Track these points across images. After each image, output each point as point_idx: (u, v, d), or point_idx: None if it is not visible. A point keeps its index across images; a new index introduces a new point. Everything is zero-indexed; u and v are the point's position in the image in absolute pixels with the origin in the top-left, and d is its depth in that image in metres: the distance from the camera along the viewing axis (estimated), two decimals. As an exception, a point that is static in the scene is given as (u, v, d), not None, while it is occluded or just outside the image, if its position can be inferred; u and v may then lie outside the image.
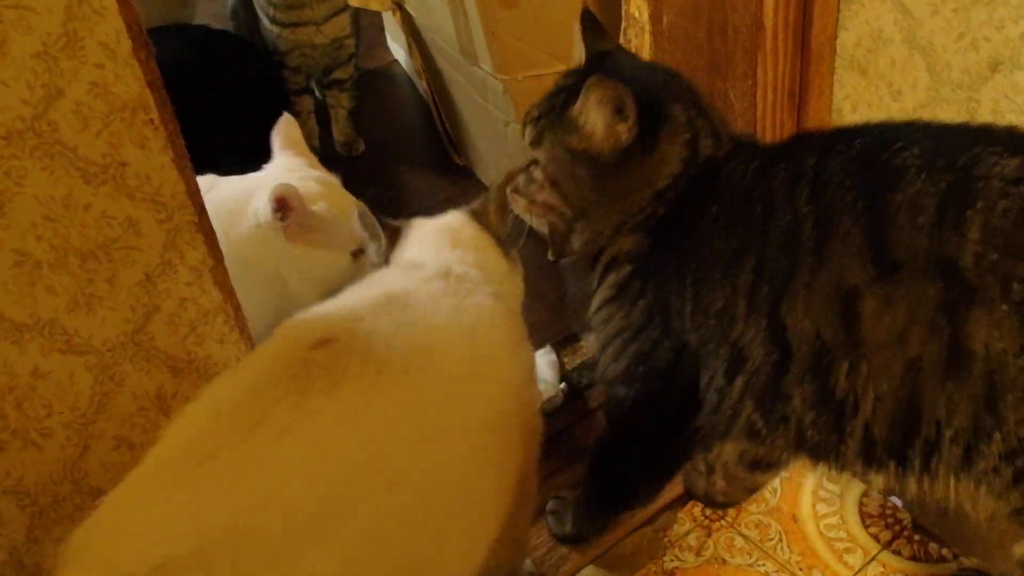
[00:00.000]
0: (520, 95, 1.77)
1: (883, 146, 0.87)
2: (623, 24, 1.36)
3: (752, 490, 1.35)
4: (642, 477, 1.15)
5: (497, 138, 1.94)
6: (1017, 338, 0.79)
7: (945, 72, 1.06)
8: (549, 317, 1.69)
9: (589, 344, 1.15)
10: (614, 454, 1.15)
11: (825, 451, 0.94)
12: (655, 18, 1.27)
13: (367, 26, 2.65)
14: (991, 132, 0.88)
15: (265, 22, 2.16)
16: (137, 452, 0.97)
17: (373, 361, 0.78)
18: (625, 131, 0.97)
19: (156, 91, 0.82)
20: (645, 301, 1.02)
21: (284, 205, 1.23)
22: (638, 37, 1.30)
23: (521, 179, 1.07)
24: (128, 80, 0.80)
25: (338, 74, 2.27)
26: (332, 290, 0.96)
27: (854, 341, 0.86)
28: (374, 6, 2.37)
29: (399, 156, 2.29)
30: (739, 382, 0.96)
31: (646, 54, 1.31)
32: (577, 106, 0.99)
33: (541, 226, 1.09)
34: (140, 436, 0.97)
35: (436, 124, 2.22)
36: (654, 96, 0.99)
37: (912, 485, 0.90)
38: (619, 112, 0.97)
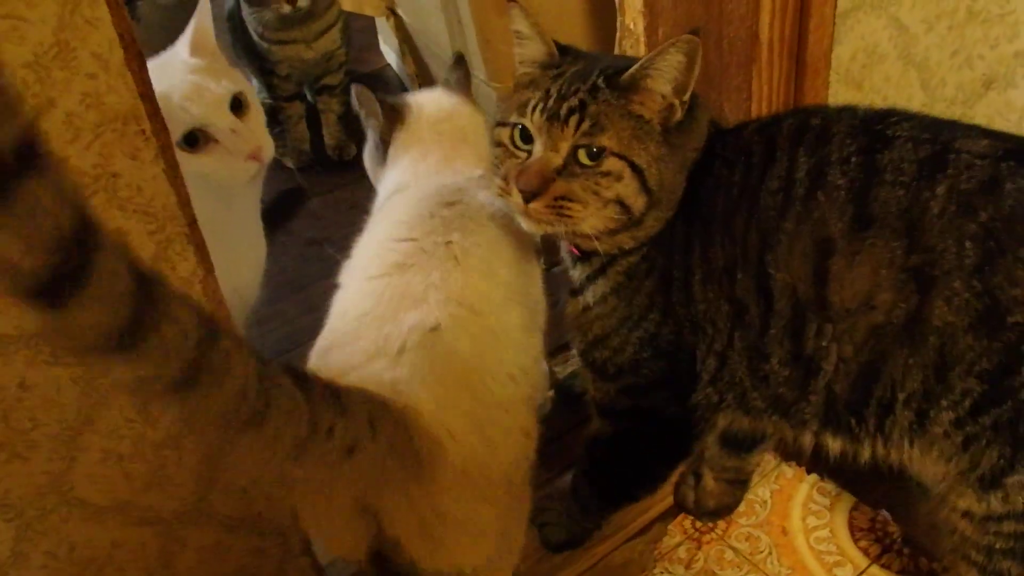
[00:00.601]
0: (513, 103, 1.77)
1: (882, 117, 0.92)
2: (618, 35, 1.35)
3: (741, 482, 1.35)
4: (658, 461, 1.15)
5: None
6: (967, 313, 0.84)
7: (939, 88, 1.07)
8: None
9: (572, 337, 1.12)
10: (625, 443, 1.14)
11: (792, 410, 0.98)
12: (650, 30, 1.27)
13: (360, 30, 2.65)
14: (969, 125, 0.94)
15: (254, 36, 2.15)
16: (125, 464, 0.96)
17: (484, 217, 1.10)
18: (681, 106, 0.96)
19: (148, 102, 0.81)
20: (651, 280, 1.02)
21: None
22: (633, 49, 1.30)
23: (579, 184, 0.95)
24: (120, 91, 0.79)
25: (328, 80, 2.27)
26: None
27: (823, 299, 0.90)
28: (368, 11, 2.36)
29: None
30: (737, 339, 0.98)
31: (641, 66, 1.31)
32: (650, 59, 0.93)
33: (592, 228, 0.98)
34: (127, 448, 0.95)
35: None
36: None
37: (867, 449, 0.97)
38: (691, 68, 0.93)
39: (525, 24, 1.01)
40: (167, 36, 1.30)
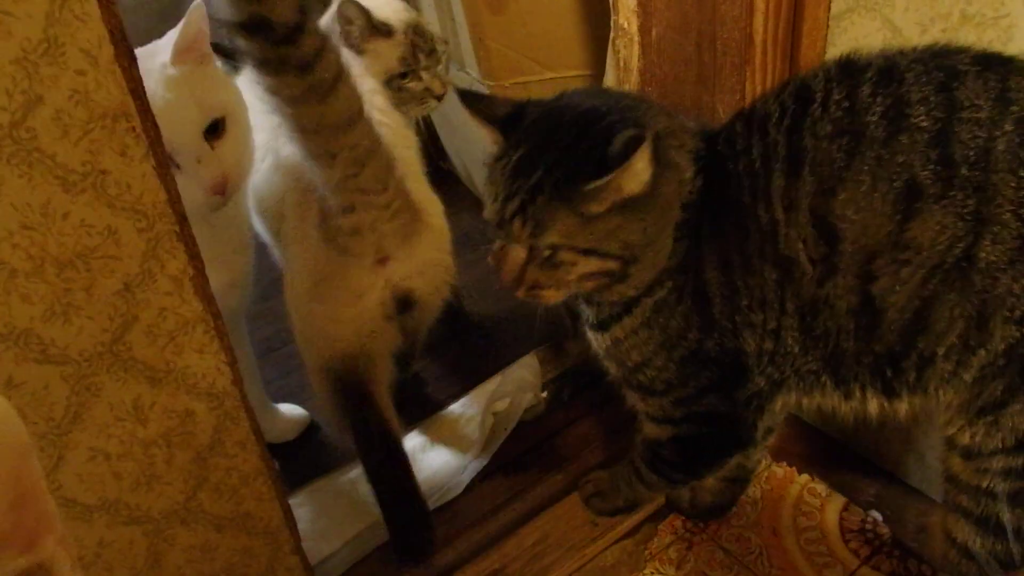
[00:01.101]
0: (507, 102, 1.77)
1: (947, 51, 0.92)
2: (612, 35, 1.35)
3: (740, 481, 1.35)
4: (720, 452, 1.16)
5: (483, 144, 1.93)
6: (1009, 248, 0.86)
7: (932, 91, 1.07)
8: (531, 325, 1.68)
9: (607, 365, 1.14)
10: (687, 443, 1.15)
11: (847, 366, 0.99)
12: (644, 30, 1.27)
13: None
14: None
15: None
16: (113, 463, 0.96)
17: None
18: (648, 172, 0.92)
19: (138, 99, 0.81)
20: (683, 305, 1.02)
21: None
22: (627, 48, 1.30)
23: (543, 275, 0.97)
24: (110, 87, 0.78)
25: None
26: None
27: (902, 240, 0.89)
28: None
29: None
30: (789, 302, 0.97)
31: (635, 65, 1.31)
32: (615, 175, 0.89)
33: (576, 294, 1.05)
34: (116, 447, 0.95)
35: (420, 128, 2.21)
36: (638, 122, 0.96)
37: (904, 403, 1.00)
38: (654, 164, 0.92)
39: (470, 117, 1.01)
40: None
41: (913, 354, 0.94)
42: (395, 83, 1.48)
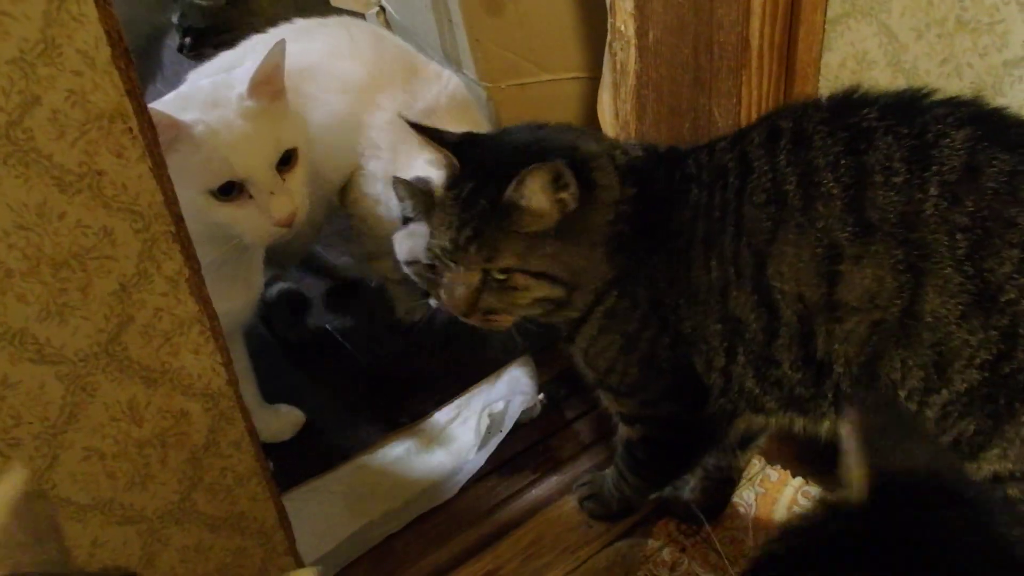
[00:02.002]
0: (504, 103, 1.77)
1: (849, 107, 0.94)
2: (609, 37, 1.35)
3: (732, 481, 1.36)
4: (687, 454, 1.22)
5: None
6: (960, 300, 0.87)
7: (928, 96, 1.07)
8: (527, 328, 1.68)
9: (584, 374, 1.19)
10: (655, 444, 1.21)
11: (809, 406, 1.02)
12: (641, 32, 1.27)
13: (350, 26, 2.63)
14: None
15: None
16: (108, 463, 0.96)
17: None
18: (571, 198, 0.99)
19: (135, 100, 0.81)
20: (640, 310, 1.06)
21: None
22: (624, 51, 1.30)
23: (496, 299, 1.03)
24: (107, 88, 0.79)
25: None
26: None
27: (833, 302, 0.93)
28: (356, 7, 2.35)
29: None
30: (741, 354, 1.01)
31: (631, 68, 1.31)
32: (511, 191, 0.97)
33: (526, 318, 1.10)
34: (111, 446, 0.95)
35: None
36: (564, 150, 1.02)
37: None
38: (557, 182, 0.98)
39: (425, 144, 1.07)
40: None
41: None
42: None
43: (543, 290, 1.02)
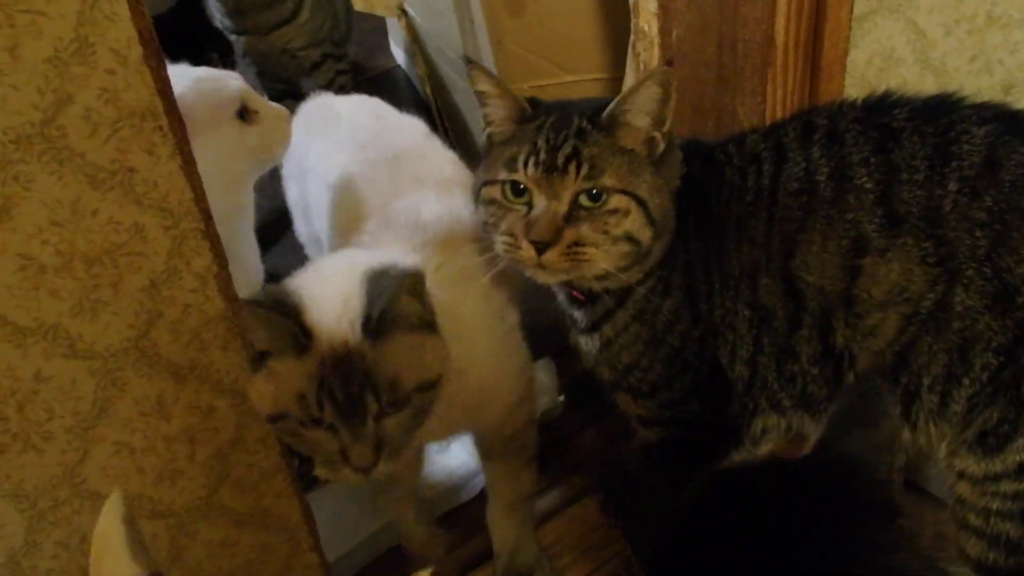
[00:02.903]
0: (526, 104, 1.77)
1: (882, 109, 0.97)
2: (632, 38, 1.35)
3: None
4: (705, 458, 1.17)
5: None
6: (983, 296, 0.90)
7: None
8: (549, 327, 1.68)
9: (599, 371, 1.15)
10: (673, 447, 1.17)
11: (819, 407, 1.03)
12: (664, 32, 1.27)
13: (371, 30, 2.64)
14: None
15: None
16: (137, 457, 0.97)
17: None
18: (661, 139, 0.98)
19: (165, 98, 0.82)
20: (671, 299, 1.04)
21: None
22: (647, 51, 1.30)
23: (587, 227, 0.96)
24: (138, 87, 0.80)
25: (319, 79, 2.22)
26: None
27: (851, 296, 0.95)
28: (379, 11, 2.37)
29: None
30: (767, 344, 1.02)
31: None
32: (627, 95, 0.96)
33: (604, 268, 0.99)
34: (140, 441, 0.96)
35: (438, 130, 2.22)
36: None
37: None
38: (667, 99, 0.96)
39: (490, 84, 1.02)
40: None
41: (897, 390, 0.97)
42: None
43: (637, 222, 0.96)
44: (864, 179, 0.94)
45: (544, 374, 1.61)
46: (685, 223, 1.02)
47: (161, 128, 0.83)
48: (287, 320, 0.86)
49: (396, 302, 0.88)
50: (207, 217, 0.89)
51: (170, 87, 0.82)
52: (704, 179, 1.03)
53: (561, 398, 1.59)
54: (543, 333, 1.62)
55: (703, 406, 1.10)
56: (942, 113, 0.93)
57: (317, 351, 0.87)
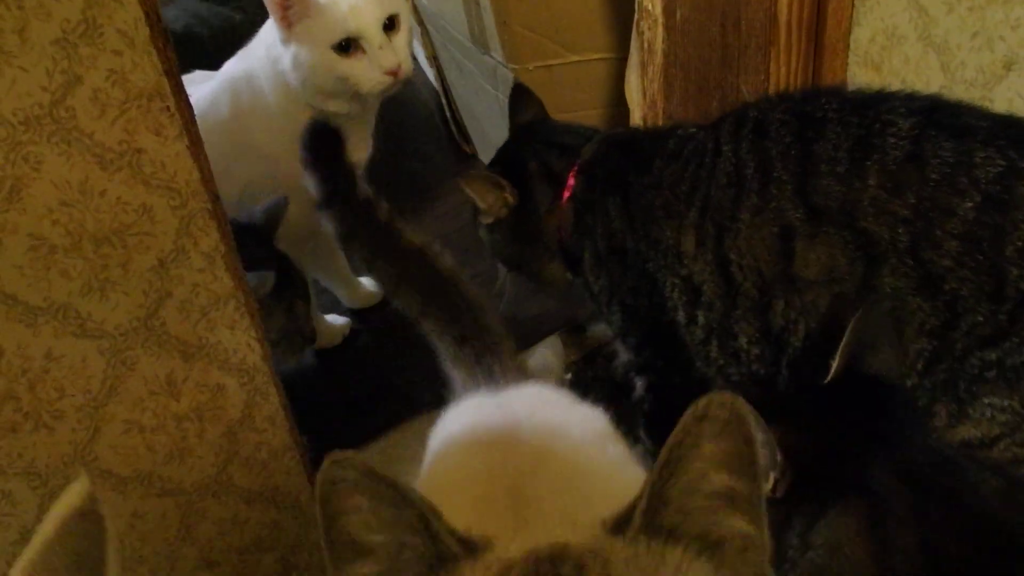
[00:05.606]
0: (531, 85, 1.77)
1: (813, 97, 1.00)
2: (636, 16, 1.35)
3: None
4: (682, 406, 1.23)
5: (507, 128, 1.93)
6: (910, 279, 0.92)
7: (959, 70, 1.06)
8: (555, 306, 1.69)
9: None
10: (656, 404, 1.24)
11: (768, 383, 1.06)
12: (668, 11, 1.27)
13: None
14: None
15: None
16: (147, 436, 0.98)
17: None
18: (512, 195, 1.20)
19: (172, 79, 0.82)
20: (612, 259, 1.15)
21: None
22: (651, 30, 1.30)
23: None
24: (145, 68, 0.80)
25: None
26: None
27: (790, 275, 0.98)
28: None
29: (407, 145, 2.28)
30: (700, 317, 1.07)
31: (659, 47, 1.31)
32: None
33: None
34: (150, 420, 0.97)
35: (445, 113, 2.22)
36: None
37: None
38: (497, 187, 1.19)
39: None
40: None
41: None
42: None
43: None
44: (781, 172, 0.96)
45: (550, 352, 1.62)
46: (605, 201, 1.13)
47: (168, 109, 0.84)
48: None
49: None
50: (214, 197, 0.90)
51: (176, 68, 0.83)
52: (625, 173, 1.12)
53: (567, 376, 1.60)
54: (550, 312, 1.63)
55: (666, 361, 1.17)
56: (871, 104, 0.93)
57: None
